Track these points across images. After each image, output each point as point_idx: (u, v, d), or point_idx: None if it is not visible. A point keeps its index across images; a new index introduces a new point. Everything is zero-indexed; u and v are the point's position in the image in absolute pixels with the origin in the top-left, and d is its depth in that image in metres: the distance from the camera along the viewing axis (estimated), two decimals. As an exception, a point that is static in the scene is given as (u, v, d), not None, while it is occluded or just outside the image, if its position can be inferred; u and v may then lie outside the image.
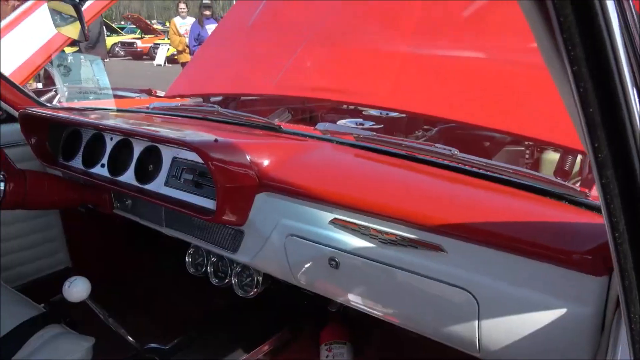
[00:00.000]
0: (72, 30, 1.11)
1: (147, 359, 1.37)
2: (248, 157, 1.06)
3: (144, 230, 1.49)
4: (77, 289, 1.14)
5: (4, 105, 1.70)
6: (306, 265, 1.05)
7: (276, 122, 1.45)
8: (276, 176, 1.02)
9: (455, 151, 0.96)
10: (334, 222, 0.96)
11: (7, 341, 1.24)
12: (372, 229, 0.90)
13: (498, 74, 1.35)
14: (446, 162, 0.99)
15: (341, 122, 1.78)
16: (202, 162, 1.19)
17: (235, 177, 1.04)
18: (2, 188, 1.27)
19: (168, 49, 15.11)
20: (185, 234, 1.33)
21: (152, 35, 17.90)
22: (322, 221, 0.98)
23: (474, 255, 0.80)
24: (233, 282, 1.34)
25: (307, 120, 2.29)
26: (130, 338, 1.31)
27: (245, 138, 1.18)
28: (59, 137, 1.66)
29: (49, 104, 1.81)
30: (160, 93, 4.30)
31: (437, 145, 1.00)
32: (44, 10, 3.93)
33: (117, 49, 17.13)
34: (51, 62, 3.67)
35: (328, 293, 1.06)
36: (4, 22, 4.01)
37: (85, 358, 1.23)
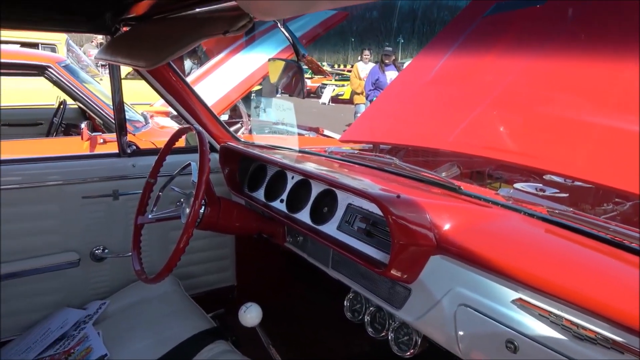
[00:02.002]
0: (292, 87, 1.25)
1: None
2: (428, 217, 1.05)
3: (306, 265, 1.56)
4: (252, 315, 1.24)
5: (209, 138, 1.98)
6: (477, 341, 0.98)
7: (445, 176, 1.42)
8: (457, 241, 0.99)
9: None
10: (518, 302, 0.89)
11: (182, 349, 1.40)
12: (565, 319, 0.81)
13: None
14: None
15: (519, 185, 1.68)
16: (379, 213, 1.22)
17: (413, 236, 1.04)
18: (202, 212, 1.45)
19: (334, 89, 16.14)
20: (349, 279, 1.35)
21: (321, 76, 19.29)
22: (503, 298, 0.91)
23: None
24: (389, 337, 1.31)
25: (473, 175, 2.21)
26: (285, 369, 1.37)
27: (425, 196, 1.17)
28: (247, 169, 1.86)
29: (242, 140, 2.04)
30: (327, 132, 4.60)
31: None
32: (238, 57, 4.52)
33: (288, 87, 18.81)
34: (243, 99, 4.20)
35: (496, 376, 0.98)
36: (207, 65, 4.69)
37: (245, 380, 1.32)
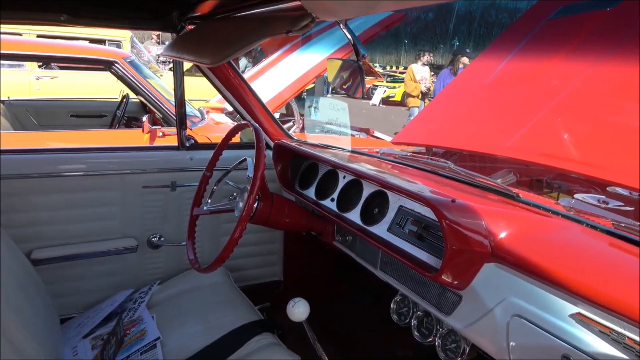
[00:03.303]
0: (351, 87, 1.26)
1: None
2: (484, 224, 1.03)
3: (353, 265, 1.57)
4: (299, 310, 1.25)
5: (264, 136, 2.02)
6: (530, 354, 0.95)
7: (500, 182, 1.38)
8: (514, 250, 0.97)
9: None
10: (577, 317, 0.86)
11: (231, 337, 1.44)
12: (627, 337, 0.77)
13: None
14: None
15: (579, 196, 1.61)
16: (432, 217, 1.21)
17: (468, 242, 1.02)
18: (255, 206, 1.49)
19: (385, 90, 16.00)
20: (397, 282, 1.35)
21: (372, 77, 19.16)
22: (561, 312, 0.88)
23: None
24: (437, 343, 1.29)
25: (531, 184, 2.13)
26: (328, 367, 1.38)
27: (481, 202, 1.15)
28: (299, 167, 1.88)
29: (294, 138, 2.07)
30: (378, 133, 4.57)
31: None
32: (293, 57, 4.58)
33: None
34: (295, 98, 4.26)
35: (549, 391, 0.94)
36: (262, 64, 4.78)
37: (289, 374, 1.34)
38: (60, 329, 1.56)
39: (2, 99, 4.03)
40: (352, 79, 1.25)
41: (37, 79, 5.88)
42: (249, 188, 1.38)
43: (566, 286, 0.86)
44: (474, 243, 1.02)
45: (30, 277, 1.39)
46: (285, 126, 2.73)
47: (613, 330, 0.79)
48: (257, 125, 1.49)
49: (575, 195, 1.65)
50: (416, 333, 1.37)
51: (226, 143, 1.66)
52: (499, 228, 1.02)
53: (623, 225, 0.98)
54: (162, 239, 1.93)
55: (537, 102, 1.84)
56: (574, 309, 0.86)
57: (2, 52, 3.19)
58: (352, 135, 3.94)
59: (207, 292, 1.69)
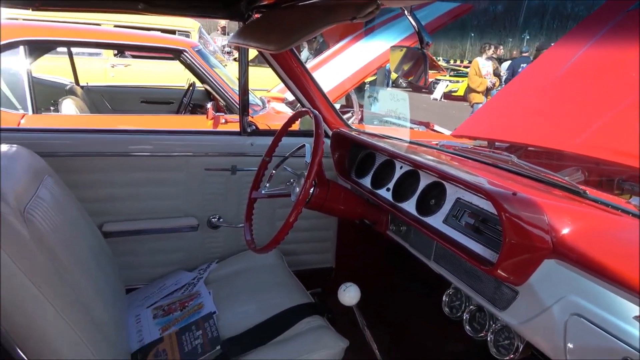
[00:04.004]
0: (415, 75, 1.25)
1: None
2: (546, 219, 0.99)
3: (406, 255, 1.56)
4: (350, 295, 1.27)
5: (323, 124, 2.04)
6: (589, 354, 0.91)
7: (568, 180, 1.32)
8: (577, 247, 0.93)
9: None
10: (642, 319, 0.81)
11: (284, 316, 1.48)
12: (698, 344, 0.73)
13: None
14: None
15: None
16: (490, 210, 1.18)
17: (528, 236, 0.99)
18: (311, 192, 1.52)
19: (447, 85, 15.59)
20: (451, 274, 1.33)
21: (435, 71, 18.69)
22: (624, 313, 0.84)
23: None
24: (489, 338, 1.27)
25: (602, 185, 2.01)
26: (378, 353, 1.39)
27: (545, 197, 1.11)
28: (356, 156, 1.89)
29: (353, 127, 2.08)
30: (438, 127, 4.48)
31: None
32: (355, 48, 4.56)
33: (400, 80, 18.53)
34: (355, 89, 4.26)
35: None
36: (324, 55, 4.81)
37: (338, 357, 1.36)
38: (125, 298, 1.68)
39: (81, 84, 4.34)
40: (416, 67, 1.23)
41: (112, 67, 6.25)
42: (306, 174, 1.41)
43: (631, 286, 0.81)
44: (534, 238, 0.99)
45: (102, 249, 1.50)
46: (344, 117, 2.75)
47: (682, 335, 0.75)
48: (316, 112, 1.51)
49: (650, 197, 1.55)
50: (468, 327, 1.35)
51: (286, 129, 1.70)
52: (562, 224, 0.98)
53: (701, 227, 0.91)
54: (221, 219, 2.01)
55: (613, 96, 1.73)
56: (639, 311, 0.81)
57: (83, 39, 3.42)
58: (411, 128, 3.91)
59: (262, 273, 1.75)
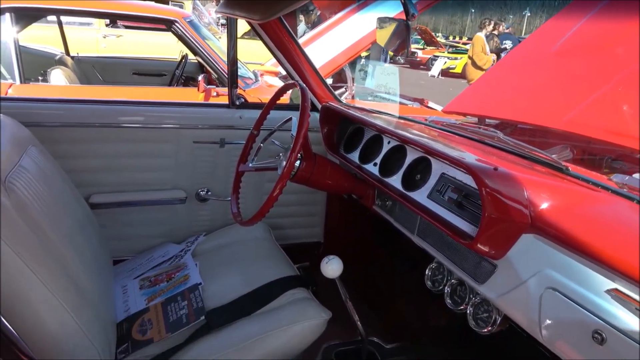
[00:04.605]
0: (397, 47, 1.23)
1: (368, 351, 1.46)
2: (526, 194, 1.00)
3: (392, 231, 1.57)
4: (332, 267, 1.28)
5: (312, 97, 2.03)
6: (562, 327, 0.93)
7: (556, 158, 1.32)
8: (555, 222, 0.93)
9: None
10: (613, 293, 0.82)
11: (269, 288, 1.50)
12: (666, 317, 0.74)
13: None
14: None
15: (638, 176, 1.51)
16: (473, 186, 1.18)
17: (507, 211, 0.99)
18: (297, 165, 1.51)
19: (445, 62, 15.45)
20: (433, 249, 1.34)
21: (434, 48, 18.54)
22: (597, 286, 0.85)
23: None
24: (468, 311, 1.29)
25: (592, 164, 2.02)
26: (360, 325, 1.41)
27: (526, 173, 1.11)
28: (345, 131, 1.88)
29: (343, 101, 2.06)
30: (432, 104, 4.46)
31: None
32: (349, 22, 4.49)
33: (398, 56, 18.34)
34: (349, 64, 4.21)
35: (578, 365, 0.93)
36: (318, 28, 4.74)
37: (321, 328, 1.38)
38: (112, 269, 1.69)
39: (71, 54, 4.27)
40: (397, 37, 1.22)
41: (104, 37, 6.15)
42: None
43: (605, 261, 0.82)
44: (513, 212, 1.00)
45: (88, 220, 1.50)
46: (337, 92, 2.73)
47: (651, 308, 0.76)
48: (303, 85, 1.49)
49: (635, 174, 1.55)
50: (448, 300, 1.37)
51: (274, 102, 1.68)
52: (541, 199, 0.99)
53: (677, 204, 0.92)
54: (209, 192, 2.01)
55: (604, 73, 1.72)
56: (611, 285, 0.83)
57: (72, 7, 3.35)
58: (405, 104, 3.89)
59: (249, 246, 1.76)
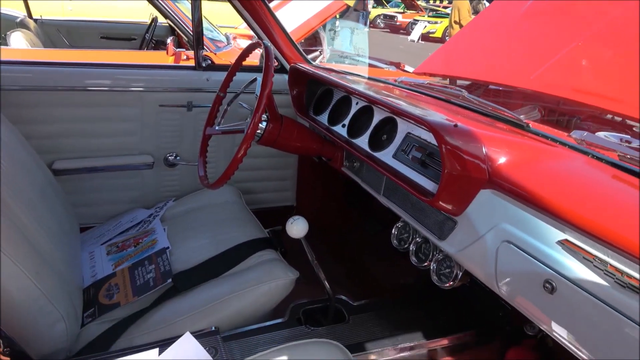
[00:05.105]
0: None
1: (335, 308, 1.48)
2: (484, 150, 1.00)
3: (364, 193, 1.58)
4: (297, 227, 1.28)
5: (280, 58, 1.98)
6: (516, 279, 0.96)
7: (523, 118, 1.33)
8: (510, 177, 0.94)
9: None
10: (563, 244, 0.85)
11: (238, 250, 1.50)
12: (610, 264, 0.76)
13: None
14: None
15: (601, 134, 1.54)
16: (436, 143, 1.18)
17: (465, 166, 1.00)
18: (264, 127, 1.49)
19: (425, 26, 15.28)
20: (398, 208, 1.35)
21: (414, 12, 18.28)
22: (548, 238, 0.87)
23: None
24: (431, 267, 1.32)
25: (560, 124, 2.04)
26: (327, 284, 1.43)
27: (487, 129, 1.11)
28: (314, 92, 1.86)
29: (313, 63, 2.02)
30: (408, 68, 4.41)
31: None
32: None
33: (378, 20, 18.08)
34: (323, 26, 4.12)
35: (530, 314, 0.96)
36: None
37: (288, 287, 1.40)
38: (79, 236, 1.66)
39: (34, 17, 4.08)
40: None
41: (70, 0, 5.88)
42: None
43: (555, 212, 0.84)
44: (471, 168, 1.00)
45: (51, 186, 1.46)
46: (312, 55, 2.68)
47: (597, 257, 0.78)
48: (268, 43, 1.45)
49: (598, 133, 1.58)
50: (413, 258, 1.39)
51: (240, 63, 1.64)
52: (498, 154, 1.00)
53: (629, 157, 0.94)
54: (177, 157, 1.98)
55: (571, 33, 1.72)
56: (562, 236, 0.84)
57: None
58: (381, 68, 3.84)
59: (218, 210, 1.75)
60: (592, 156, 1.02)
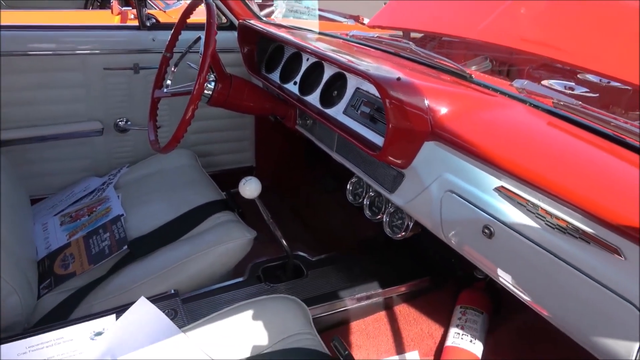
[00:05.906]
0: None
1: (294, 264, 1.52)
2: (426, 102, 1.02)
3: (320, 149, 1.58)
4: (250, 187, 1.29)
5: (229, 14, 1.92)
6: (458, 226, 1.00)
7: (472, 69, 1.35)
8: (450, 127, 0.97)
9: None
10: (500, 190, 0.88)
11: (194, 214, 1.50)
12: (541, 208, 0.80)
13: None
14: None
15: (547, 82, 1.58)
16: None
17: (408, 119, 1.02)
18: (212, 87, 1.46)
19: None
20: (350, 163, 1.37)
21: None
22: (486, 185, 0.91)
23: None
24: (384, 219, 1.36)
25: (508, 74, 2.07)
26: (284, 242, 1.45)
27: (430, 81, 1.12)
28: (266, 50, 1.81)
29: (264, 19, 1.97)
30: (366, 20, 4.34)
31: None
32: None
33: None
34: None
35: (474, 259, 1.01)
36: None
37: (246, 247, 1.41)
38: (30, 208, 1.62)
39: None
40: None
41: (4, -45, 5.44)
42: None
43: (491, 160, 0.87)
44: (414, 120, 1.02)
45: None
46: (267, 11, 2.59)
47: (529, 201, 0.82)
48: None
49: (543, 81, 1.62)
50: (367, 212, 1.43)
51: (184, 22, 1.58)
52: (440, 106, 1.01)
53: (562, 104, 0.97)
54: (128, 122, 1.92)
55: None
56: (498, 183, 0.88)
57: None
58: (340, 22, 3.76)
59: (173, 175, 1.73)
60: (530, 104, 1.05)
